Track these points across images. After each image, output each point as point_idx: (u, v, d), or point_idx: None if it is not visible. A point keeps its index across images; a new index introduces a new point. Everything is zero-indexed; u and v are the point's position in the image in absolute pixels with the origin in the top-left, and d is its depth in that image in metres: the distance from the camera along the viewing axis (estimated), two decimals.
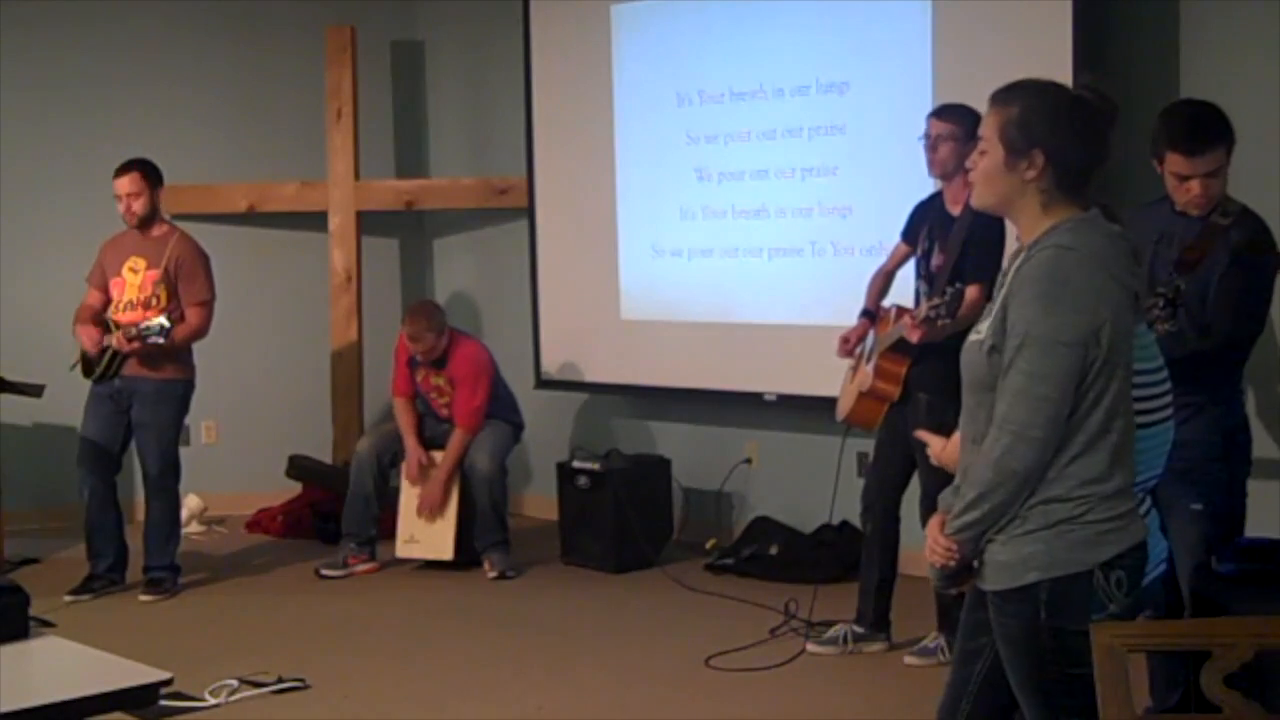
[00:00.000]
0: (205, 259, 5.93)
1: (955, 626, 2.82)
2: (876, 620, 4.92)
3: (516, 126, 7.16)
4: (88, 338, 5.80)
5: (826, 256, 5.99)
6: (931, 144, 4.62)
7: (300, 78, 7.58)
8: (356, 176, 7.51)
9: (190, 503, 6.92)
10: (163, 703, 3.60)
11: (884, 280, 5.03)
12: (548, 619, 5.53)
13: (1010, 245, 2.62)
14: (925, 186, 4.91)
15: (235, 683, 4.67)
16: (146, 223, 5.88)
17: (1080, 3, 5.06)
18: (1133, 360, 2.54)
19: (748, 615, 5.42)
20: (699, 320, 6.46)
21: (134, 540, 6.04)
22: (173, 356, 5.83)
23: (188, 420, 6.13)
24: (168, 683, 2.74)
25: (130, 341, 5.62)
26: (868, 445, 5.07)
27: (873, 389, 4.77)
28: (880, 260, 5.11)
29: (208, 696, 4.55)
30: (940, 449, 2.77)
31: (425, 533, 6.25)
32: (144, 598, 5.86)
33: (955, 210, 4.59)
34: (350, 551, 6.28)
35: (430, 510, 6.19)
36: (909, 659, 4.78)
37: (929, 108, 4.91)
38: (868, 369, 4.84)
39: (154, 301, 5.81)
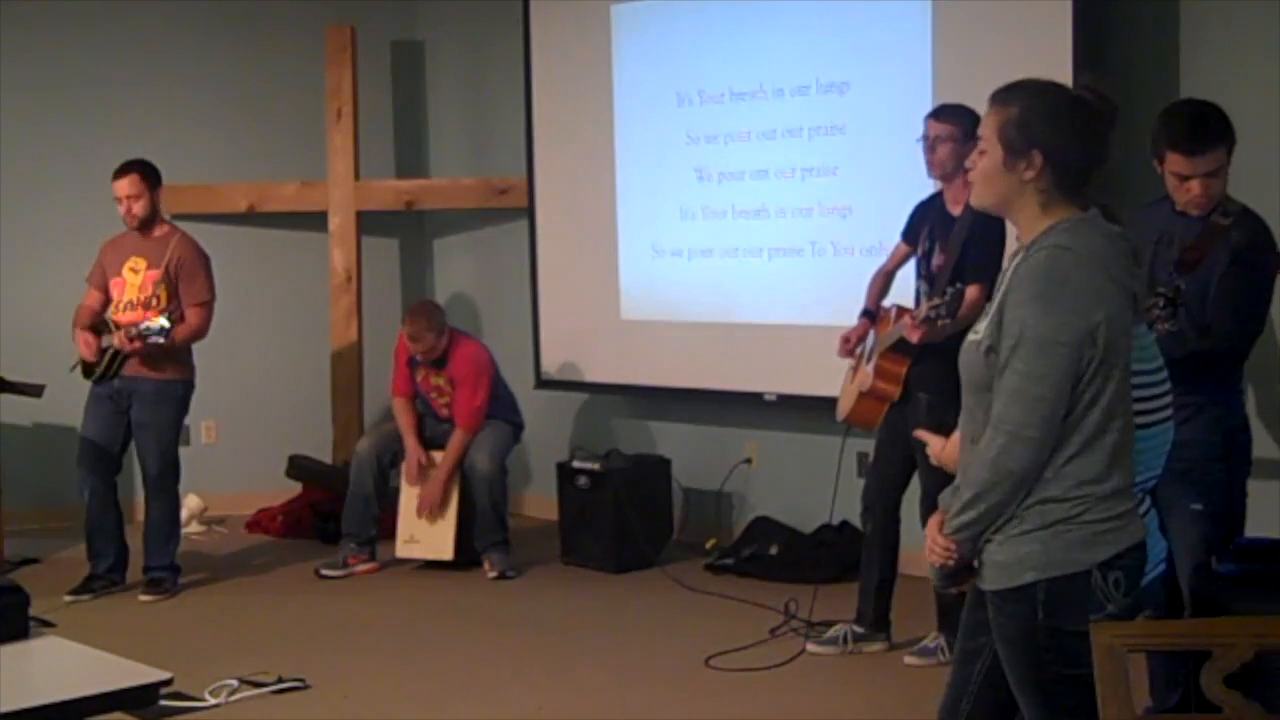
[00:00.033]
0: (206, 260, 5.93)
1: (955, 626, 2.82)
2: (876, 620, 4.92)
3: (516, 126, 7.16)
4: (85, 346, 5.80)
5: (826, 256, 5.99)
6: (930, 145, 4.62)
7: (300, 78, 7.58)
8: (356, 176, 7.51)
9: (190, 503, 6.92)
10: (163, 703, 3.60)
11: (884, 280, 5.03)
12: (548, 619, 5.53)
13: (1011, 245, 2.62)
14: (925, 186, 4.91)
15: (235, 683, 4.67)
16: (148, 224, 5.88)
17: (1080, 3, 5.06)
18: (1132, 361, 2.54)
19: (748, 615, 5.42)
20: (699, 320, 6.46)
21: (134, 540, 6.04)
22: (173, 357, 5.83)
23: (188, 420, 6.13)
24: (168, 683, 2.74)
25: (131, 341, 5.62)
26: (868, 445, 5.07)
27: (873, 389, 4.77)
28: (880, 260, 5.12)
29: (208, 696, 4.55)
30: (940, 449, 2.77)
31: (425, 533, 6.25)
32: (144, 598, 5.86)
33: (956, 210, 4.59)
34: (350, 551, 6.28)
35: (429, 510, 6.19)
36: (909, 659, 4.78)
37: (929, 108, 4.91)
38: (868, 369, 4.84)
39: (154, 302, 5.81)
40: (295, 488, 7.25)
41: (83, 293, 6.02)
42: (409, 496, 6.28)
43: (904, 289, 4.98)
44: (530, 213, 7.11)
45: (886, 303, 4.96)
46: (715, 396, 6.47)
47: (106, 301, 5.94)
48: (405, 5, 7.95)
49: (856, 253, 5.79)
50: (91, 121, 7.35)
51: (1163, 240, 3.73)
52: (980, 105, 2.63)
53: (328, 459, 7.40)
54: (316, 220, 7.55)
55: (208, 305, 5.89)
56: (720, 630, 5.19)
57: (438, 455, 6.24)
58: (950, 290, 4.28)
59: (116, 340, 5.69)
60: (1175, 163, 3.66)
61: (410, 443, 6.25)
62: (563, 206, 7.00)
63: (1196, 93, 4.51)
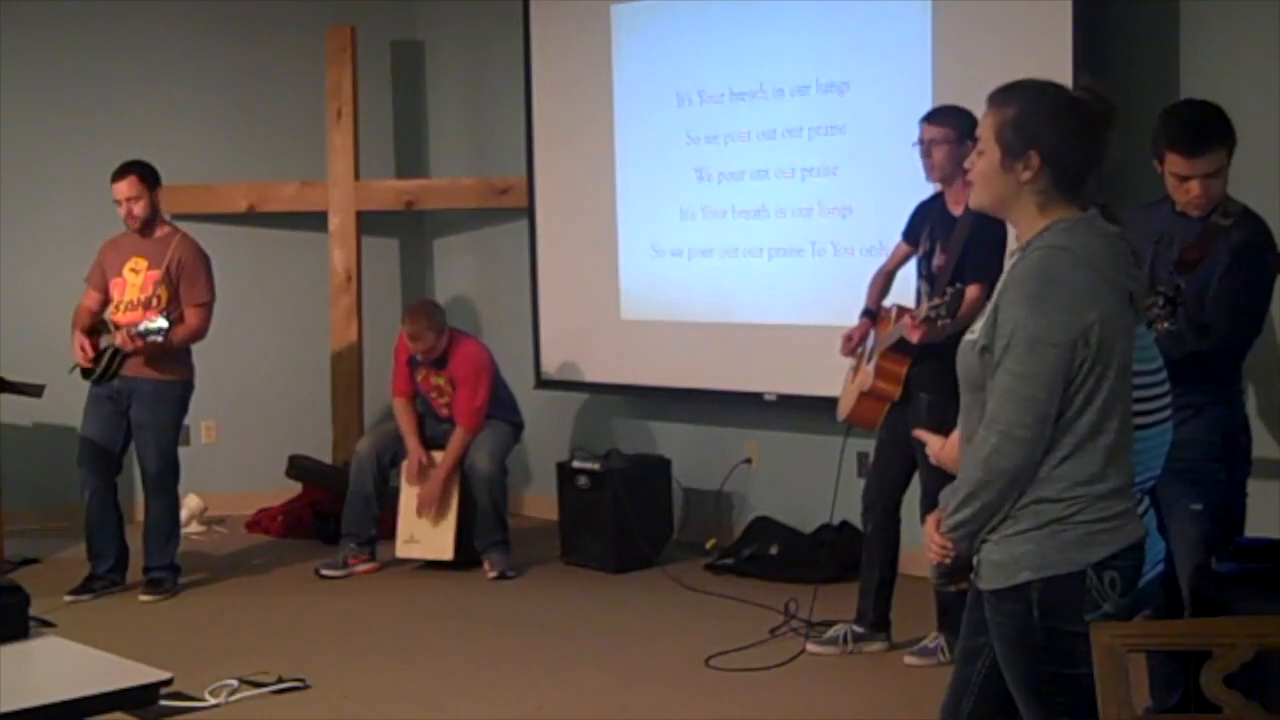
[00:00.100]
0: (206, 260, 5.93)
1: (955, 626, 2.82)
2: (876, 620, 4.92)
3: (516, 126, 7.16)
4: (80, 351, 5.79)
5: (826, 256, 5.99)
6: (926, 149, 4.62)
7: (300, 78, 7.58)
8: (356, 176, 7.51)
9: (190, 503, 6.92)
10: (163, 703, 3.60)
11: (885, 280, 5.03)
12: (548, 619, 5.53)
13: (1012, 246, 2.62)
14: (925, 186, 4.90)
15: (235, 683, 4.67)
16: (148, 225, 5.88)
17: (1080, 3, 5.06)
18: (1131, 361, 2.54)
19: (748, 615, 5.42)
20: (699, 320, 6.46)
21: (134, 540, 6.04)
22: (172, 357, 5.83)
23: (188, 420, 6.14)
24: (168, 683, 2.74)
25: (131, 340, 5.62)
26: (868, 445, 5.07)
27: (873, 389, 4.77)
28: (880, 260, 5.11)
29: (208, 696, 4.55)
30: (939, 448, 2.78)
31: (425, 533, 6.25)
32: (144, 598, 5.86)
33: (957, 211, 4.58)
34: (350, 551, 6.28)
35: (429, 509, 6.19)
36: (909, 659, 4.78)
37: (929, 107, 4.91)
38: (868, 369, 4.84)
39: (154, 302, 5.81)
40: (295, 488, 7.24)
41: (82, 293, 6.02)
42: (409, 496, 6.28)
43: (905, 289, 4.97)
44: (530, 213, 7.11)
45: (887, 302, 4.96)
46: (715, 396, 6.47)
47: (105, 302, 5.94)
48: (405, 5, 7.95)
49: (856, 253, 5.79)
50: (91, 121, 7.36)
51: (1163, 240, 3.73)
52: (980, 106, 2.63)
53: (328, 459, 7.40)
54: (316, 220, 7.55)
55: (207, 306, 5.89)
56: (720, 630, 5.19)
57: (438, 455, 6.24)
58: (950, 290, 4.28)
59: (117, 340, 5.69)
60: (1175, 163, 3.66)
61: (412, 443, 6.25)
62: (563, 206, 7.00)
63: (1196, 93, 4.51)
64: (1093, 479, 2.47)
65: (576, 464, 6.41)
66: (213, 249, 6.05)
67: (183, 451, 6.08)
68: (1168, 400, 2.69)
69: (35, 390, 5.87)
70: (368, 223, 7.60)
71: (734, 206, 6.30)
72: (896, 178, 5.39)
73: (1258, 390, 4.77)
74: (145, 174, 5.85)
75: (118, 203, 5.85)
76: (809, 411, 5.96)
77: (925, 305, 4.43)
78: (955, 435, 2.68)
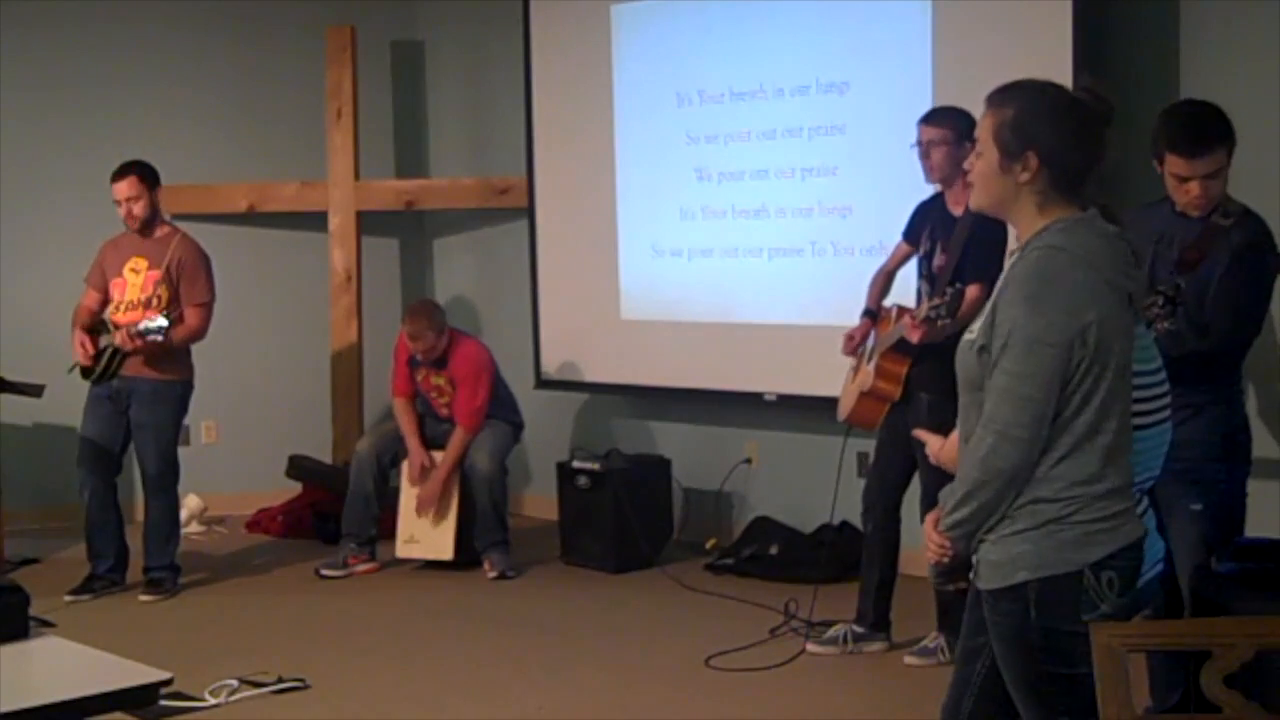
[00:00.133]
0: (207, 260, 5.93)
1: (955, 626, 2.82)
2: (876, 620, 4.92)
3: (516, 126, 7.16)
4: (81, 349, 5.80)
5: (826, 256, 5.99)
6: (924, 151, 4.62)
7: (300, 78, 7.59)
8: (356, 176, 7.51)
9: (190, 503, 6.92)
10: (163, 703, 3.60)
11: (885, 280, 5.03)
12: (548, 619, 5.53)
13: (1012, 246, 2.62)
14: (925, 186, 4.90)
15: (235, 683, 4.67)
16: (148, 225, 5.87)
17: (1080, 3, 5.06)
18: (1130, 361, 2.54)
19: (748, 615, 5.42)
20: (699, 320, 6.46)
21: (134, 540, 6.04)
22: (172, 357, 5.83)
23: (188, 420, 6.14)
24: (168, 683, 2.74)
25: (131, 340, 5.62)
26: (868, 445, 5.07)
27: (873, 389, 4.77)
28: (880, 260, 5.12)
29: (208, 696, 4.55)
30: (939, 448, 2.78)
31: (425, 533, 6.25)
32: (144, 598, 5.86)
33: (957, 211, 4.58)
34: (350, 551, 6.28)
35: (428, 509, 6.19)
36: (909, 659, 4.78)
37: (929, 107, 4.91)
38: (869, 369, 4.84)
39: (155, 302, 5.81)
40: (295, 488, 7.24)
41: (82, 293, 6.01)
42: (409, 496, 6.28)
43: (905, 289, 4.97)
44: (530, 213, 7.11)
45: (888, 303, 4.97)
46: (715, 396, 6.47)
47: (105, 302, 5.94)
48: (405, 5, 7.95)
49: (856, 253, 5.79)
50: (91, 121, 7.36)
51: (1163, 240, 3.73)
52: (980, 106, 2.63)
53: (328, 459, 7.40)
54: (316, 220, 7.55)
55: (207, 306, 5.89)
56: (720, 630, 5.19)
57: (438, 455, 6.24)
58: (950, 290, 4.28)
59: (117, 339, 5.68)
60: (1174, 164, 3.66)
61: (413, 444, 6.25)
62: (563, 206, 7.00)
63: (1196, 93, 4.52)
64: (1090, 479, 2.47)
65: (576, 464, 6.41)
66: (213, 249, 6.05)
67: (183, 451, 6.08)
68: (1167, 400, 2.69)
69: (35, 390, 5.87)
70: (368, 223, 7.60)
71: (734, 206, 6.30)
72: (896, 178, 5.39)
73: (1258, 390, 4.77)
74: (145, 174, 5.85)
75: (117, 203, 5.85)
76: (809, 411, 5.96)
77: (925, 305, 4.43)
78: (955, 435, 2.68)
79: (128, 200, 5.83)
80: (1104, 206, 2.58)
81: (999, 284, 2.54)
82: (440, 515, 6.22)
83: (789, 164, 6.08)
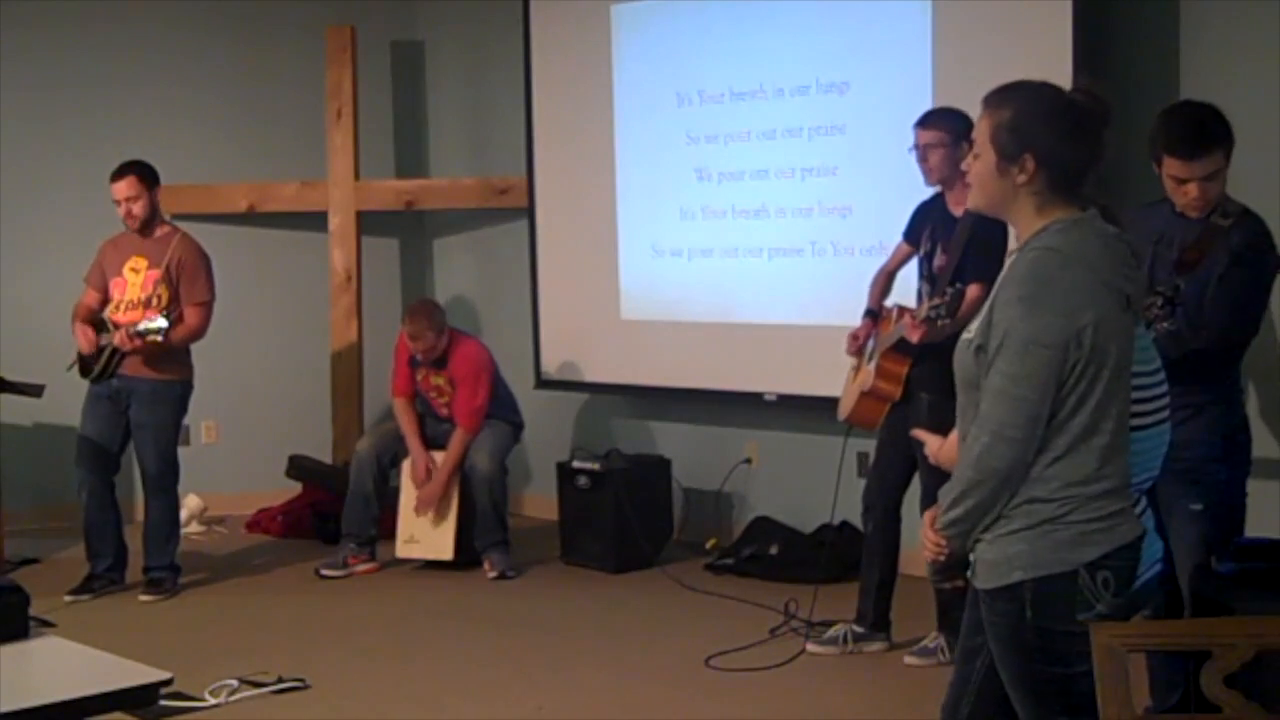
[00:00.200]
0: (207, 260, 5.93)
1: (955, 626, 2.83)
2: (876, 620, 4.92)
3: (516, 126, 7.16)
4: (84, 339, 5.80)
5: (826, 256, 5.99)
6: (922, 154, 4.63)
7: (300, 78, 7.59)
8: (356, 176, 7.51)
9: (190, 503, 6.92)
10: (163, 703, 3.60)
11: (886, 280, 5.03)
12: (548, 619, 5.53)
13: (1013, 246, 2.63)
14: (926, 187, 4.90)
15: (235, 683, 4.67)
16: (148, 225, 5.87)
17: (1080, 3, 5.06)
18: (1129, 362, 2.54)
19: (748, 615, 5.42)
20: (699, 320, 6.46)
21: (134, 540, 6.04)
22: (171, 357, 5.83)
23: (187, 420, 6.13)
24: (168, 683, 2.74)
25: (130, 340, 5.61)
26: (868, 445, 5.08)
27: (874, 389, 4.77)
28: (880, 260, 5.12)
29: (208, 696, 4.55)
30: (938, 448, 2.78)
31: (425, 533, 6.25)
32: (144, 598, 5.86)
33: (957, 211, 4.58)
34: (350, 551, 6.28)
35: (428, 508, 6.19)
36: (909, 659, 4.78)
37: (929, 107, 4.91)
38: (869, 368, 4.84)
39: (155, 301, 5.81)
40: (295, 488, 7.25)
41: (81, 293, 6.01)
42: (409, 496, 6.28)
43: (906, 289, 4.97)
44: (530, 213, 7.11)
45: (888, 303, 4.97)
46: (715, 396, 6.47)
47: (105, 302, 5.94)
48: (405, 5, 7.95)
49: (856, 253, 5.79)
50: (91, 121, 7.36)
51: (1162, 241, 3.73)
52: (979, 107, 2.63)
53: (328, 459, 7.40)
54: (316, 220, 7.55)
55: (207, 305, 5.88)
56: (720, 630, 5.19)
57: (438, 455, 6.24)
58: (951, 290, 4.28)
59: (116, 339, 5.68)
60: (1172, 166, 3.66)
61: (415, 446, 6.24)
62: (563, 206, 7.00)
63: (1196, 93, 4.51)
64: (1086, 479, 2.47)
65: (576, 464, 6.41)
66: (213, 249, 6.05)
67: (183, 451, 6.08)
68: (1166, 401, 2.69)
69: (35, 390, 5.86)
70: (368, 223, 7.60)
71: (734, 206, 6.30)
72: (896, 178, 5.38)
73: (1258, 390, 4.77)
74: (144, 174, 5.85)
75: (117, 203, 5.85)
76: (809, 411, 5.96)
77: (925, 305, 4.43)
78: (954, 435, 2.68)
79: (127, 200, 5.82)
80: (1104, 207, 2.58)
81: (997, 284, 2.55)
82: (440, 515, 6.22)
83: (789, 164, 6.08)
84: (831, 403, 5.16)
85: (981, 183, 2.57)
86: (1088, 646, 2.35)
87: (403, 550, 6.31)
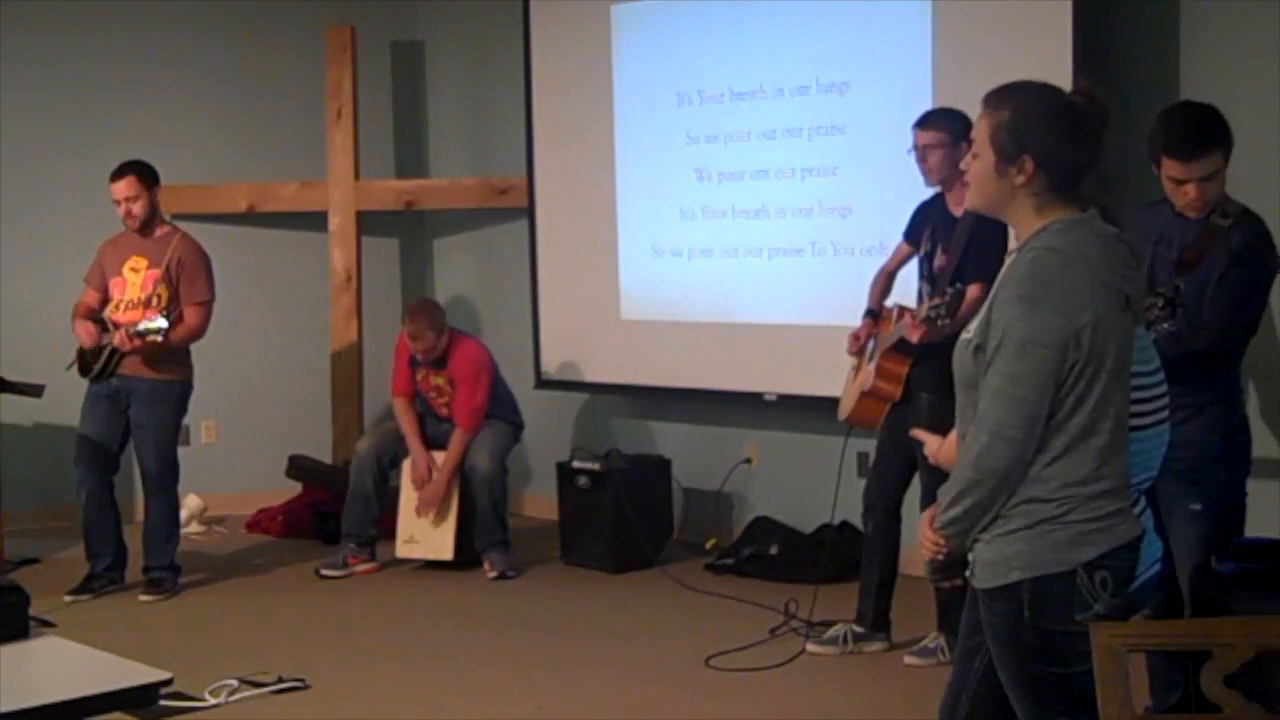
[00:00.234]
0: (207, 260, 5.93)
1: (955, 626, 2.83)
2: (876, 620, 4.92)
3: (516, 126, 7.16)
4: (86, 333, 5.80)
5: (826, 256, 5.99)
6: (921, 155, 4.63)
7: (300, 78, 7.59)
8: (356, 176, 7.51)
9: (190, 503, 6.92)
10: (163, 703, 3.60)
11: (886, 280, 5.03)
12: (548, 619, 5.53)
13: (1013, 246, 2.63)
14: (926, 187, 4.90)
15: (235, 683, 4.67)
16: (148, 224, 5.87)
17: (1080, 3, 5.06)
18: (1128, 363, 2.54)
19: (748, 615, 5.42)
20: (699, 320, 6.46)
21: (133, 540, 6.04)
22: (171, 357, 5.83)
23: (187, 420, 6.13)
24: (168, 683, 2.74)
25: (130, 340, 5.61)
26: (868, 445, 5.08)
27: (874, 389, 4.77)
28: (880, 260, 5.12)
29: (208, 696, 4.55)
30: (937, 448, 2.78)
31: (425, 533, 6.25)
32: (144, 598, 5.86)
33: (957, 212, 4.58)
34: (350, 551, 6.28)
35: (429, 509, 6.19)
36: (909, 659, 4.78)
37: (929, 108, 4.91)
38: (870, 368, 4.84)
39: (155, 301, 5.81)
40: (295, 488, 7.25)
41: (81, 293, 6.01)
42: (409, 496, 6.28)
43: (906, 289, 4.97)
44: (530, 213, 7.11)
45: (889, 303, 4.97)
46: (715, 396, 6.47)
47: (104, 302, 5.93)
48: (405, 5, 7.95)
49: (856, 253, 5.79)
50: (91, 121, 7.36)
51: (1162, 241, 3.73)
52: (979, 107, 2.63)
53: (328, 459, 7.40)
54: (316, 220, 7.55)
55: (207, 305, 5.88)
56: (720, 630, 5.19)
57: (438, 455, 6.24)
58: (951, 290, 4.28)
59: (116, 339, 5.68)
60: (1170, 167, 3.66)
61: (415, 446, 6.24)
62: (563, 206, 7.00)
63: (1196, 93, 4.51)
64: (1085, 480, 2.47)
65: (576, 464, 6.41)
66: (213, 249, 6.05)
67: (183, 451, 6.08)
68: (1165, 401, 2.69)
69: (35, 390, 5.86)
70: (368, 223, 7.60)
71: (734, 206, 6.30)
72: (896, 178, 5.38)
73: (1258, 390, 4.77)
74: (144, 174, 5.85)
75: (117, 203, 5.85)
76: (809, 411, 5.96)
77: (925, 305, 4.43)
78: (953, 435, 2.68)
79: (126, 200, 5.82)
80: (1104, 207, 2.58)
81: (995, 284, 2.55)
82: (440, 515, 6.22)
83: (789, 164, 6.08)
84: (831, 403, 5.16)
85: (980, 182, 2.58)
86: (1086, 646, 2.35)
87: (403, 550, 6.31)
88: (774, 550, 6.02)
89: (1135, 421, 2.58)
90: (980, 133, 2.56)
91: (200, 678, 4.62)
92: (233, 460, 7.53)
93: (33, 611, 3.03)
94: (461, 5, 7.69)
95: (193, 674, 4.55)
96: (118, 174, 5.85)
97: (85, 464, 5.90)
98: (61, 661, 2.92)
